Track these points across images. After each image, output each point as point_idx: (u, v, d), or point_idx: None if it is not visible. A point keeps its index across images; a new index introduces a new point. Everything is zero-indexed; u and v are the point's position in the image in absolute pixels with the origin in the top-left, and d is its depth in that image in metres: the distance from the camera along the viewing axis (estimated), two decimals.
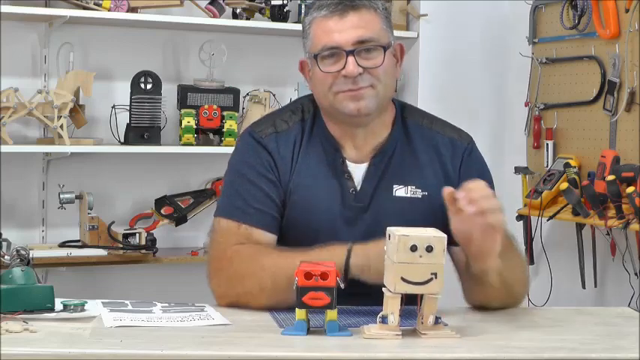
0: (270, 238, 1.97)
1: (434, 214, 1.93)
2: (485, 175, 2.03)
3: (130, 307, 1.84)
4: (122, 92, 3.44)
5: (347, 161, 2.01)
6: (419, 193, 2.00)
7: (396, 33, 2.16)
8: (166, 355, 1.53)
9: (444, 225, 1.84)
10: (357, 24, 1.92)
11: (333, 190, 2.00)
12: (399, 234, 1.63)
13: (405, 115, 2.07)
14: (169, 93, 3.47)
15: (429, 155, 2.03)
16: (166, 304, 1.86)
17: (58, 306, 1.75)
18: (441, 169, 2.03)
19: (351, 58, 1.91)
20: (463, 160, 2.03)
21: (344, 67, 1.91)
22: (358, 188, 2.00)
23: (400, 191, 2.00)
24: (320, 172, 2.00)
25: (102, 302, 1.86)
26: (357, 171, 2.01)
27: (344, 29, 1.91)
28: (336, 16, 1.92)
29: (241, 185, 1.98)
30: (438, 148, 2.03)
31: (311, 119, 2.04)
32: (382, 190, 2.00)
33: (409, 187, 2.00)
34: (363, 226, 1.99)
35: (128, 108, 3.39)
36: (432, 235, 1.64)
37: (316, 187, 2.00)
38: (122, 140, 3.42)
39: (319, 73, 1.95)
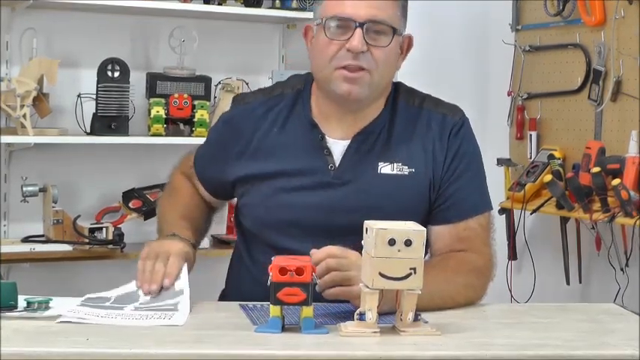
0: (201, 189, 2.20)
1: (421, 192, 2.00)
2: (468, 153, 2.05)
3: (107, 304, 1.81)
4: (88, 80, 3.39)
5: (327, 137, 2.03)
6: (406, 170, 2.01)
7: None
8: (135, 354, 1.51)
9: (430, 202, 2.00)
10: (373, 4, 1.94)
11: (307, 167, 2.01)
12: (376, 227, 1.61)
13: (397, 95, 2.08)
14: (138, 81, 3.43)
15: (418, 134, 2.04)
16: (147, 300, 1.84)
17: (22, 303, 1.74)
18: (431, 146, 2.03)
19: (358, 32, 1.93)
20: (450, 136, 2.04)
21: (349, 39, 1.93)
22: (337, 164, 2.01)
23: (386, 168, 2.01)
24: (295, 149, 2.02)
25: (87, 296, 1.85)
26: (337, 147, 2.03)
27: (360, 5, 1.94)
28: None
29: (206, 140, 2.22)
30: (429, 125, 2.05)
31: (293, 95, 2.07)
32: (367, 167, 2.01)
33: (395, 164, 2.02)
34: (347, 204, 1.99)
35: (94, 97, 3.36)
36: (411, 228, 1.63)
37: (288, 162, 2.02)
38: (88, 130, 3.39)
39: (323, 39, 1.97)
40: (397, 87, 2.09)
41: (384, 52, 1.95)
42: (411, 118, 2.04)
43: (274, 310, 1.63)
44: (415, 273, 1.61)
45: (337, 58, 1.95)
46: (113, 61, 3.33)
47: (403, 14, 2.00)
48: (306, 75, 2.09)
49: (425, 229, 1.63)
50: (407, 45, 2.04)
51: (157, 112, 3.37)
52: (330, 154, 2.01)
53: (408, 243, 1.60)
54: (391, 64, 2.00)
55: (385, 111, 2.04)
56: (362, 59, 1.93)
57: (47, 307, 1.74)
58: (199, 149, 2.21)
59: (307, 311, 1.63)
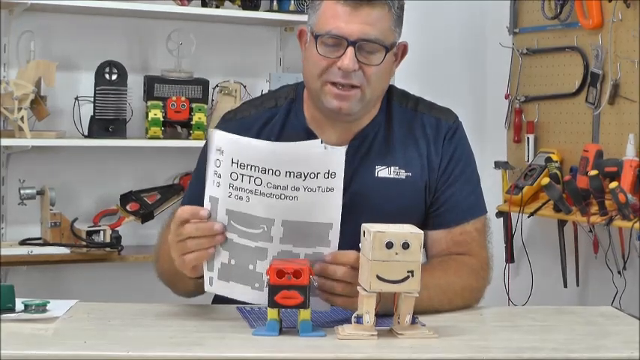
0: None
1: (418, 195, 2.00)
2: (463, 158, 2.05)
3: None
4: (86, 83, 3.40)
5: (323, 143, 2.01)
6: (402, 174, 2.01)
7: None
8: (132, 357, 1.51)
9: (426, 206, 2.01)
10: (367, 20, 1.91)
11: None
12: (374, 230, 1.61)
13: (390, 98, 2.07)
14: (135, 84, 3.44)
15: (413, 137, 2.04)
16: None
17: (19, 306, 1.74)
18: (426, 149, 2.03)
19: (350, 50, 1.90)
20: (445, 140, 2.04)
21: (341, 57, 1.91)
22: None
23: (383, 172, 2.01)
24: None
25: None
26: None
27: (353, 21, 1.90)
28: (349, 7, 1.91)
29: (193, 176, 2.10)
30: (423, 128, 2.04)
31: (286, 106, 2.06)
32: (364, 171, 2.01)
33: (392, 167, 2.02)
34: (345, 208, 1.91)
35: (92, 99, 3.36)
36: (409, 231, 1.62)
37: None
38: (86, 133, 3.39)
39: (315, 54, 1.95)
40: (389, 89, 2.07)
41: (377, 69, 1.93)
42: (406, 121, 2.04)
43: (272, 313, 1.63)
44: (413, 276, 1.60)
45: (328, 73, 1.92)
46: (111, 64, 3.33)
47: (398, 24, 1.97)
48: (296, 84, 2.08)
49: (422, 231, 1.63)
50: (401, 52, 2.02)
51: (155, 114, 3.37)
52: None
53: (405, 246, 1.59)
54: (384, 78, 1.97)
55: (380, 114, 2.03)
56: (353, 77, 1.91)
57: (44, 310, 1.73)
58: (187, 192, 2.11)
59: (305, 314, 1.63)
